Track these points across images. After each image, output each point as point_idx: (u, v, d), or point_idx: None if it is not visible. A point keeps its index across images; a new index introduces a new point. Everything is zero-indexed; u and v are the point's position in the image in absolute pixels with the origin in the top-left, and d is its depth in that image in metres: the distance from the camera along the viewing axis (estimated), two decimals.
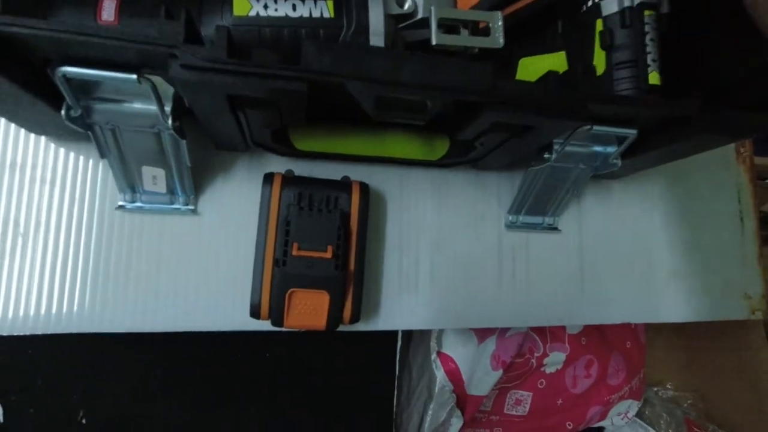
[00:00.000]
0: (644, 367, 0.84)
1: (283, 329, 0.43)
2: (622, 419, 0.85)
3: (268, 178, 0.43)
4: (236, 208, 0.46)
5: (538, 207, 0.53)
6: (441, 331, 0.68)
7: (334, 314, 0.42)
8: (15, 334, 0.41)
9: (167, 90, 0.34)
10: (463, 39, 0.39)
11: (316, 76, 0.29)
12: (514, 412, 0.74)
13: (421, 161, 0.48)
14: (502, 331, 0.68)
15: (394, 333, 0.71)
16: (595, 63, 0.46)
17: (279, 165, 0.47)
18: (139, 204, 0.44)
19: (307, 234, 0.41)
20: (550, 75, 0.36)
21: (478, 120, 0.34)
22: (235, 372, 0.67)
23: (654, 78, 0.46)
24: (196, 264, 0.45)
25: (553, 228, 0.55)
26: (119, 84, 0.32)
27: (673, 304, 0.57)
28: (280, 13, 0.37)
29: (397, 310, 0.49)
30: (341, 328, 0.44)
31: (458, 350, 0.67)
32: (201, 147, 0.45)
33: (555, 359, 0.71)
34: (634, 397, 0.82)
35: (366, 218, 0.44)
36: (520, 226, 0.54)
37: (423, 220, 0.51)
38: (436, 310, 0.50)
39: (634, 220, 0.58)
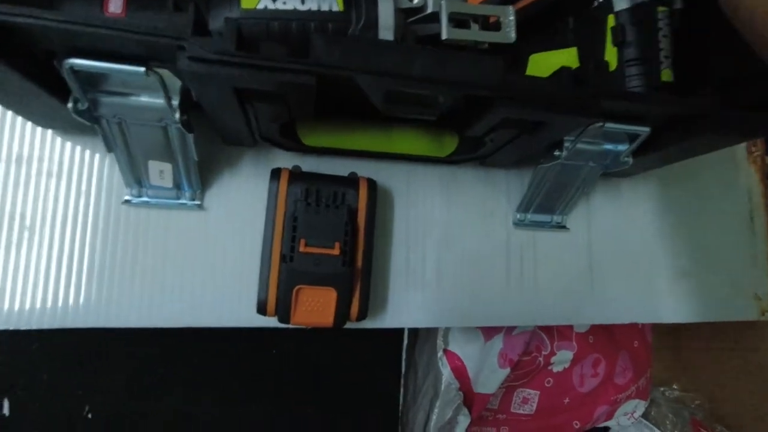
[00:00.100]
0: (651, 367, 0.83)
1: (290, 326, 0.43)
2: (628, 419, 0.84)
3: (276, 174, 0.43)
4: (242, 203, 0.46)
5: (546, 205, 0.52)
6: (447, 329, 0.68)
7: (342, 311, 0.42)
8: (21, 328, 0.41)
9: (175, 83, 0.34)
10: (474, 34, 0.38)
11: (325, 70, 0.28)
12: (521, 411, 0.74)
13: (430, 158, 0.48)
14: (509, 329, 0.68)
15: (401, 331, 0.71)
16: (606, 59, 0.46)
17: (285, 160, 0.47)
18: (145, 198, 0.44)
19: (314, 230, 0.41)
20: (563, 71, 0.35)
21: (489, 115, 0.34)
22: (242, 368, 0.67)
23: (666, 75, 0.45)
24: (202, 259, 0.45)
25: (562, 226, 0.54)
26: (127, 77, 0.32)
27: (682, 304, 0.57)
28: (289, 6, 0.36)
29: (404, 307, 0.49)
30: (348, 325, 0.44)
31: (464, 348, 0.67)
32: (207, 142, 0.44)
33: (562, 358, 0.71)
34: (641, 396, 0.81)
35: (373, 215, 0.44)
36: (528, 224, 0.53)
37: (431, 217, 0.51)
38: (443, 307, 0.50)
39: (643, 219, 0.57)
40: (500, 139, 0.41)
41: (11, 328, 0.41)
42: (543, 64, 0.46)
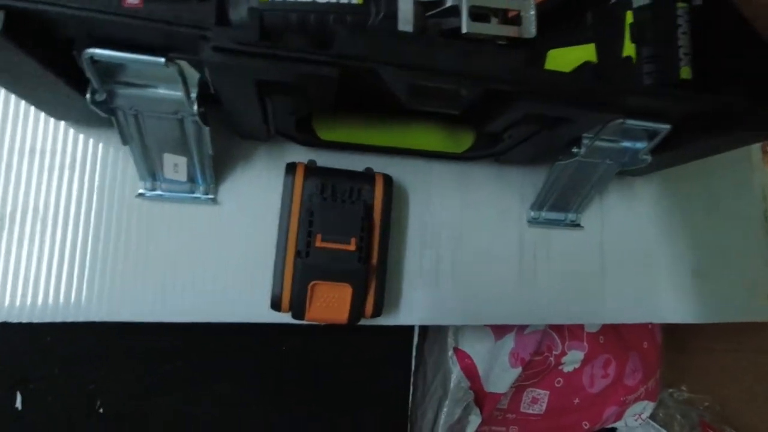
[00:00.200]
0: (660, 368, 0.82)
1: (304, 322, 0.42)
2: (636, 420, 0.84)
3: (291, 168, 0.42)
4: (256, 197, 0.45)
5: (561, 203, 0.52)
6: (458, 328, 0.68)
7: (357, 308, 0.41)
8: (34, 321, 0.41)
9: (193, 75, 0.33)
10: (494, 28, 0.38)
11: (349, 62, 0.28)
12: (530, 411, 0.73)
13: (445, 154, 0.47)
14: (521, 328, 0.68)
15: (410, 328, 0.71)
16: (624, 56, 0.45)
17: (299, 155, 0.46)
18: (159, 192, 0.43)
19: (330, 225, 0.40)
20: (585, 66, 0.35)
21: (510, 110, 0.33)
22: (253, 364, 0.67)
23: (685, 72, 0.45)
24: (215, 254, 0.44)
25: (576, 224, 0.54)
26: (145, 67, 0.32)
27: (694, 304, 0.56)
28: None
29: (418, 304, 0.48)
30: (361, 322, 0.44)
31: (475, 347, 0.67)
32: (221, 135, 0.44)
33: (573, 358, 0.70)
34: (650, 398, 0.81)
35: (389, 211, 0.44)
36: (542, 222, 0.53)
37: (445, 213, 0.50)
38: (456, 305, 0.49)
39: (656, 219, 0.57)
40: (519, 135, 0.40)
41: (24, 321, 0.41)
42: (561, 60, 0.46)
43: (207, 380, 0.65)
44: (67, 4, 0.25)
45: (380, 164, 0.47)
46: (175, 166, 0.42)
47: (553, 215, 0.53)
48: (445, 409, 0.66)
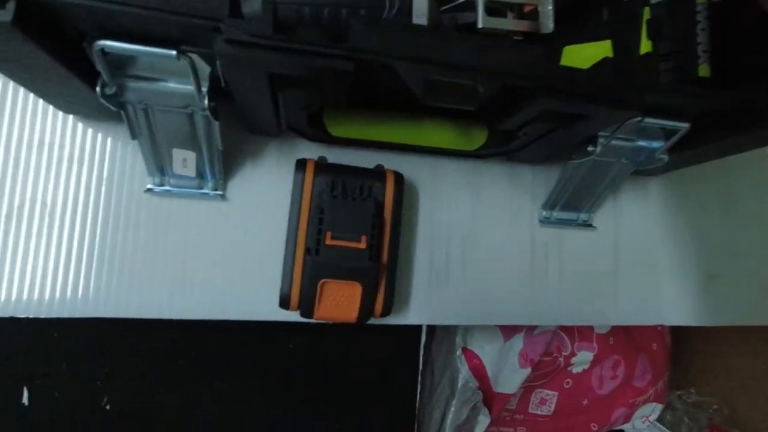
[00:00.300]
0: (668, 370, 0.82)
1: (312, 321, 0.42)
2: (643, 422, 0.83)
3: (301, 164, 0.42)
4: (265, 194, 0.45)
5: (573, 202, 0.51)
6: (466, 328, 0.67)
7: (366, 307, 0.41)
8: (40, 317, 0.40)
9: (203, 69, 0.33)
10: (510, 23, 0.37)
11: (364, 56, 0.27)
12: (538, 412, 0.73)
13: (457, 151, 0.47)
14: (530, 329, 0.67)
15: (418, 327, 0.70)
16: (641, 53, 0.44)
17: (309, 151, 0.46)
18: (167, 188, 0.43)
19: (340, 223, 0.40)
20: (604, 62, 0.34)
21: (528, 107, 0.32)
22: (260, 362, 0.67)
23: (704, 70, 0.44)
24: (223, 251, 0.44)
25: (588, 224, 0.53)
26: (156, 60, 0.31)
27: (708, 306, 0.55)
28: None
29: (428, 304, 0.48)
30: (370, 321, 0.43)
31: (484, 347, 0.66)
32: (230, 131, 0.43)
33: (582, 359, 0.70)
34: (658, 400, 0.80)
35: (400, 208, 0.43)
36: (554, 222, 0.52)
37: (455, 212, 0.49)
38: (466, 305, 0.49)
39: (670, 219, 0.56)
40: (534, 133, 0.40)
41: (31, 316, 0.40)
42: (577, 56, 0.45)
43: (213, 378, 0.64)
44: None
45: (390, 161, 0.46)
46: (184, 161, 0.41)
47: (565, 215, 0.52)
48: (452, 409, 0.65)
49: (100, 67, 0.30)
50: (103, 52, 0.29)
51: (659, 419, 0.85)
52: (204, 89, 0.33)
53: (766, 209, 0.59)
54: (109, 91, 0.32)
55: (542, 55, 0.30)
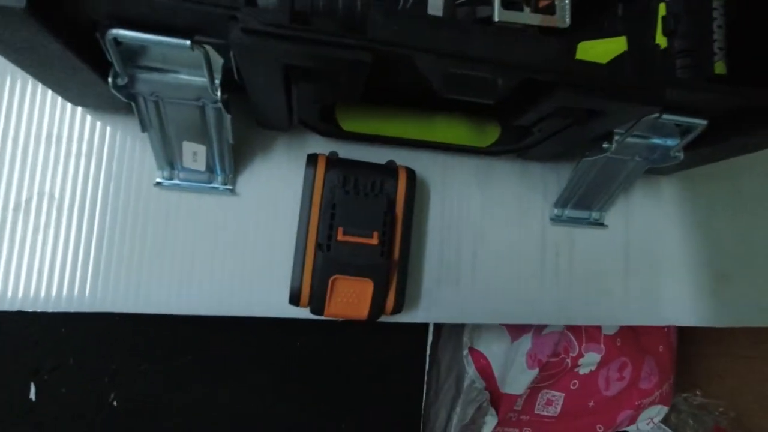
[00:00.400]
0: (675, 372, 0.81)
1: (322, 318, 0.41)
2: (648, 424, 0.82)
3: (312, 159, 0.41)
4: (276, 189, 0.44)
5: (585, 201, 0.50)
6: (474, 327, 0.66)
7: (377, 304, 0.40)
8: (48, 311, 0.40)
9: (217, 60, 0.32)
10: (527, 16, 0.36)
11: (383, 47, 0.27)
12: (544, 413, 0.72)
13: (469, 148, 0.46)
14: (537, 329, 0.66)
15: (425, 326, 0.70)
16: (656, 49, 0.44)
17: (320, 146, 0.45)
18: (176, 181, 0.42)
19: (352, 219, 0.39)
20: (625, 57, 0.33)
21: (547, 102, 0.32)
22: (267, 359, 0.66)
23: (720, 68, 0.43)
24: (233, 246, 0.43)
25: (600, 223, 0.52)
26: (169, 51, 0.31)
27: (720, 307, 0.55)
28: None
29: (437, 302, 0.47)
30: (380, 318, 0.43)
31: (490, 347, 0.65)
32: (241, 125, 0.43)
33: (590, 360, 0.69)
34: (664, 402, 0.80)
35: (412, 205, 0.42)
36: (565, 220, 0.51)
37: (466, 209, 0.49)
38: (476, 303, 0.48)
39: (682, 219, 0.55)
40: (549, 129, 0.39)
41: (39, 310, 0.40)
42: (591, 52, 0.44)
43: (220, 374, 0.64)
44: None
45: (400, 157, 0.46)
46: (194, 154, 0.41)
47: (577, 213, 0.52)
48: (458, 409, 0.65)
49: (112, 57, 0.30)
50: (116, 41, 0.29)
51: (664, 421, 0.85)
52: (217, 81, 0.32)
53: None
54: (120, 82, 0.32)
55: (560, 50, 0.30)
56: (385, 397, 0.68)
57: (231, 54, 0.30)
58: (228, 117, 0.36)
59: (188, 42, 0.28)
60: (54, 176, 0.41)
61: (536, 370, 0.65)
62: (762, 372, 0.80)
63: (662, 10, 0.43)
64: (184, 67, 0.33)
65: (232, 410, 0.65)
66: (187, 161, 0.41)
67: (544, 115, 0.36)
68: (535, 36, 0.33)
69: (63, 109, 0.42)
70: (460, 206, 0.49)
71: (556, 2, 0.37)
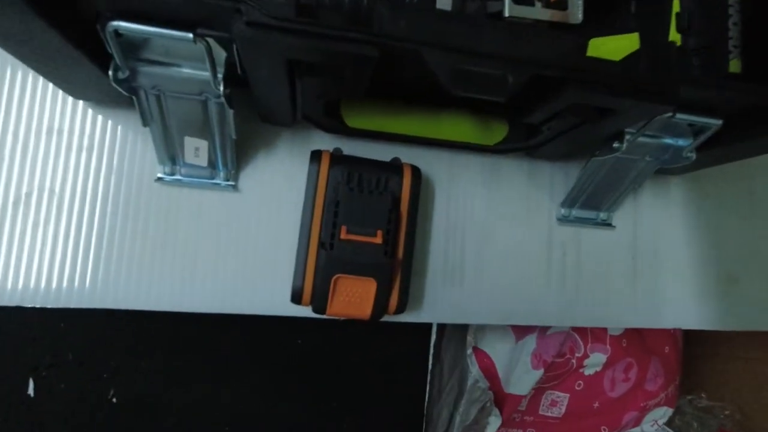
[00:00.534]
0: (680, 374, 0.80)
1: (324, 317, 0.41)
2: (652, 426, 0.82)
3: (316, 156, 0.40)
4: (279, 185, 0.44)
5: (593, 201, 0.50)
6: (478, 327, 0.66)
7: (380, 304, 0.39)
8: (47, 306, 0.39)
9: (219, 54, 0.31)
10: (538, 12, 0.35)
11: (391, 42, 0.26)
12: (549, 414, 0.72)
13: (475, 146, 0.45)
14: (543, 329, 0.66)
15: (429, 325, 0.69)
16: (669, 47, 0.43)
17: (324, 142, 0.45)
18: (178, 177, 0.42)
19: (356, 217, 0.38)
20: (637, 54, 0.32)
21: (557, 99, 0.31)
22: (268, 357, 0.66)
23: (734, 66, 0.42)
24: (234, 243, 0.43)
25: (607, 224, 0.52)
26: (171, 44, 0.30)
27: (728, 310, 0.54)
28: None
29: (442, 302, 0.46)
30: (383, 318, 0.42)
31: (495, 347, 0.65)
32: (244, 120, 0.42)
33: (595, 361, 0.68)
34: (669, 404, 0.79)
35: (416, 203, 0.42)
36: (572, 221, 0.50)
37: (471, 208, 0.48)
38: (481, 304, 0.47)
39: (691, 220, 0.54)
40: (558, 127, 0.38)
41: (38, 306, 0.39)
42: (603, 49, 0.43)
43: (221, 371, 0.64)
44: None
45: (405, 154, 0.45)
46: (195, 150, 0.40)
47: (584, 213, 0.51)
48: (461, 409, 0.64)
49: (113, 49, 0.29)
50: (117, 33, 0.28)
51: (668, 423, 0.84)
52: (219, 75, 0.32)
53: None
54: (121, 75, 0.31)
55: (573, 47, 0.29)
56: (388, 397, 0.67)
57: (234, 47, 0.30)
58: (231, 112, 0.35)
59: (191, 35, 0.28)
60: (54, 170, 0.41)
61: (541, 371, 0.64)
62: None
63: (676, 6, 0.42)
64: (186, 61, 0.32)
65: (233, 409, 0.64)
66: (189, 156, 0.40)
67: (554, 113, 0.35)
68: (546, 32, 0.32)
69: (64, 103, 0.41)
70: (465, 205, 0.48)
71: None
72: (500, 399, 0.66)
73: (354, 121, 0.42)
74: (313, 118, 0.40)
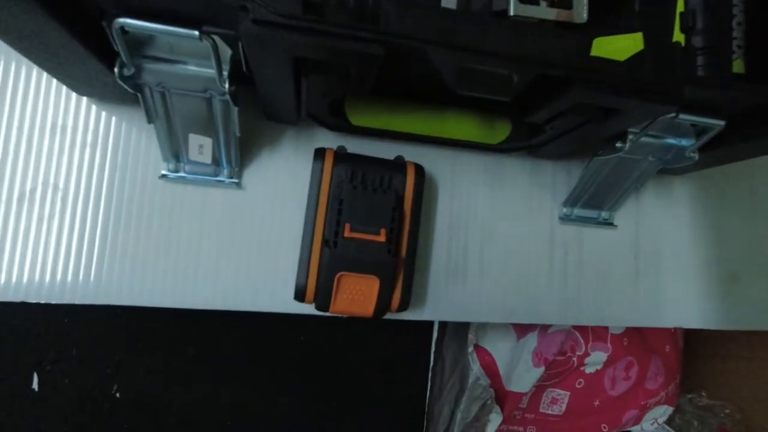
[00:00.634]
0: (681, 373, 0.80)
1: (327, 314, 0.41)
2: (652, 425, 0.82)
3: (320, 154, 0.40)
4: (282, 183, 0.44)
5: (595, 200, 0.50)
6: (479, 324, 0.66)
7: (383, 302, 0.40)
8: (51, 302, 0.40)
9: (225, 52, 0.31)
10: (543, 11, 0.35)
11: (397, 40, 0.26)
12: (549, 411, 0.72)
13: (478, 144, 0.45)
14: (544, 327, 0.66)
15: (430, 324, 0.69)
16: (673, 47, 0.43)
17: (327, 140, 0.45)
18: (182, 174, 0.42)
19: (359, 215, 0.39)
20: (643, 54, 0.32)
21: (562, 99, 0.31)
22: (271, 354, 0.66)
23: (738, 66, 0.42)
24: (238, 240, 0.43)
25: (609, 223, 0.52)
26: (176, 41, 0.30)
27: (730, 310, 0.54)
28: None
29: (443, 300, 0.47)
30: (385, 316, 0.42)
31: (496, 345, 0.65)
32: (248, 117, 0.42)
33: (596, 359, 0.69)
34: (669, 403, 0.79)
35: (420, 202, 0.42)
36: (574, 220, 0.51)
37: (474, 207, 0.48)
38: (483, 302, 0.48)
39: (694, 220, 0.54)
40: (562, 127, 0.38)
41: (42, 301, 0.39)
42: (607, 48, 0.43)
43: (223, 368, 0.64)
44: None
45: (410, 152, 0.45)
46: (200, 147, 0.40)
47: (586, 212, 0.51)
48: (462, 406, 0.64)
49: (118, 46, 0.29)
50: (123, 30, 0.28)
51: (668, 422, 0.84)
52: (225, 73, 0.32)
53: None
54: (127, 72, 0.31)
55: (578, 46, 0.29)
56: (389, 396, 0.67)
57: (240, 45, 0.30)
58: (235, 109, 0.35)
59: (196, 32, 0.28)
60: (59, 167, 0.41)
61: (542, 369, 0.65)
62: None
63: (680, 5, 0.42)
64: (191, 58, 0.32)
65: (234, 406, 0.65)
66: (193, 154, 0.40)
67: (558, 113, 0.35)
68: (551, 31, 0.32)
69: (68, 99, 0.41)
70: (468, 203, 0.48)
71: None
72: (501, 396, 0.66)
73: (358, 119, 0.42)
74: (318, 116, 0.40)
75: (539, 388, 0.70)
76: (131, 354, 0.58)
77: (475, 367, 0.64)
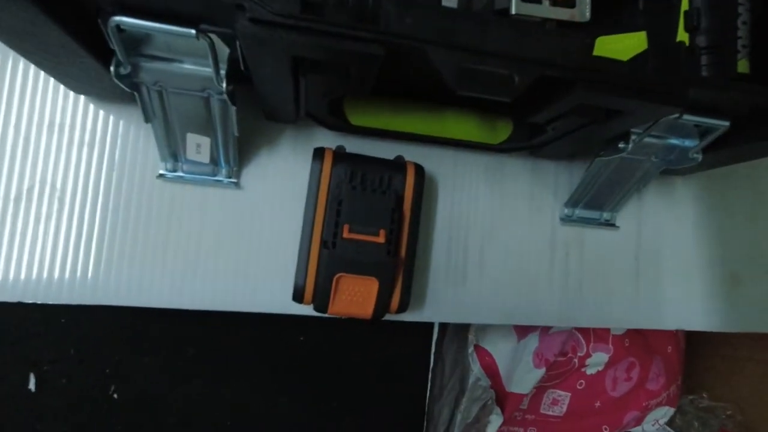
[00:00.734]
0: (682, 374, 0.80)
1: (326, 315, 0.41)
2: (653, 426, 0.82)
3: (319, 153, 0.40)
4: (281, 183, 0.43)
5: (597, 201, 0.49)
6: (480, 325, 0.66)
7: (382, 303, 0.39)
8: (49, 302, 0.39)
9: (222, 50, 0.31)
10: (545, 9, 0.35)
11: (397, 40, 0.26)
12: (550, 412, 0.71)
13: (479, 144, 0.45)
14: (545, 328, 0.66)
15: (430, 325, 0.69)
16: (677, 46, 0.42)
17: (327, 140, 0.44)
18: (180, 174, 0.42)
19: (358, 215, 0.38)
20: (648, 54, 0.32)
21: (565, 99, 0.31)
22: (270, 355, 0.66)
23: (743, 66, 0.42)
24: (236, 241, 0.43)
25: (611, 224, 0.51)
26: (173, 40, 0.30)
27: (732, 311, 0.54)
28: None
29: (444, 301, 0.46)
30: (385, 317, 0.42)
31: (496, 345, 0.65)
32: (246, 117, 0.42)
33: (597, 360, 0.68)
34: (671, 404, 0.79)
35: (420, 202, 0.41)
36: (575, 220, 0.50)
37: (474, 208, 0.48)
38: (483, 304, 0.47)
39: (696, 221, 0.54)
40: (564, 127, 0.38)
41: (39, 302, 0.39)
42: (610, 47, 0.43)
43: (222, 369, 0.64)
44: None
45: (409, 153, 0.45)
46: (197, 146, 0.40)
47: (588, 213, 0.50)
48: (462, 407, 0.64)
49: (114, 45, 0.29)
50: (119, 28, 0.27)
51: (669, 423, 0.84)
52: (222, 72, 0.31)
53: None
54: (123, 71, 0.31)
55: (580, 46, 0.28)
56: (388, 397, 0.67)
57: (238, 44, 0.29)
58: (233, 109, 0.35)
59: (193, 31, 0.27)
60: (56, 166, 0.40)
61: (543, 370, 0.64)
62: None
63: (685, 4, 0.42)
64: (188, 57, 0.32)
65: (234, 406, 0.64)
66: (191, 153, 0.40)
67: (560, 114, 0.34)
68: (553, 30, 0.31)
69: (65, 98, 0.41)
70: (469, 204, 0.48)
71: None
72: (502, 397, 0.66)
73: (357, 118, 0.41)
74: (317, 116, 0.40)
75: (540, 389, 0.70)
76: (129, 354, 0.58)
77: (476, 368, 0.63)
